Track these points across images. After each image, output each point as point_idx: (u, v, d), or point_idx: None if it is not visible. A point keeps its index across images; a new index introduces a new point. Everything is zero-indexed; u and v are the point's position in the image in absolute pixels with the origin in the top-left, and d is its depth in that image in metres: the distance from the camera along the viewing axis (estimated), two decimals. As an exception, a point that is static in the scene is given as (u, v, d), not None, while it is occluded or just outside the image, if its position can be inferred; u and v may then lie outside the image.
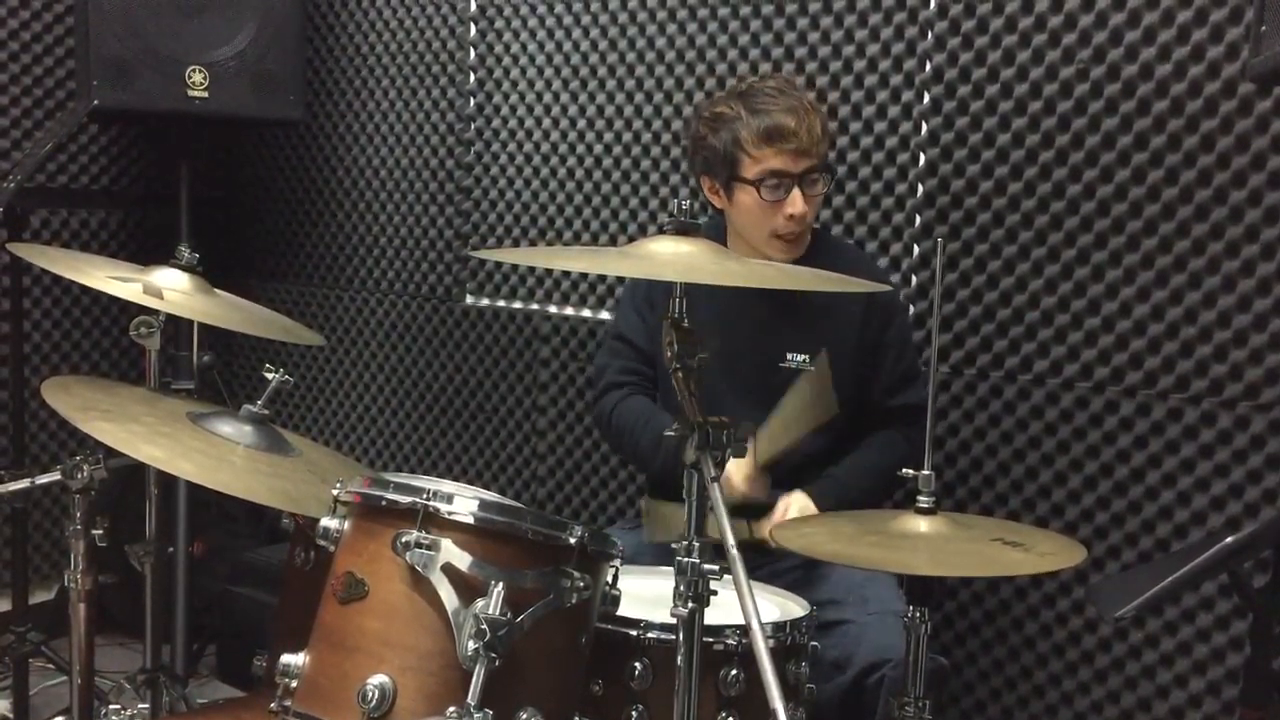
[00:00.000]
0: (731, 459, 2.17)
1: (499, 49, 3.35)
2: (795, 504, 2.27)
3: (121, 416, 1.87)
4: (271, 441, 1.94)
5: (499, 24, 3.34)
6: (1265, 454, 2.34)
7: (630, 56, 3.10)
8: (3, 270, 3.31)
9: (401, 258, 3.60)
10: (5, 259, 3.15)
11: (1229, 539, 1.58)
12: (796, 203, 2.30)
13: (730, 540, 1.52)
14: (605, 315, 3.19)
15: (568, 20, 3.21)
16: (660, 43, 3.05)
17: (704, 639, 1.64)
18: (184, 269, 2.12)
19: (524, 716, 1.60)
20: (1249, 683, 1.67)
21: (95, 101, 3.10)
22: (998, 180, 2.60)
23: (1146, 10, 2.42)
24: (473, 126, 3.41)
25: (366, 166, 3.66)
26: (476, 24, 3.40)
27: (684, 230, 1.69)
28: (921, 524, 1.80)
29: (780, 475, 2.25)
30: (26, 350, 3.49)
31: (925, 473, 1.82)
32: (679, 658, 1.61)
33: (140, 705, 2.31)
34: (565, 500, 3.28)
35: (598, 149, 3.18)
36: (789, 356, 2.39)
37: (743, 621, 1.51)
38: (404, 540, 1.61)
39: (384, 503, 1.66)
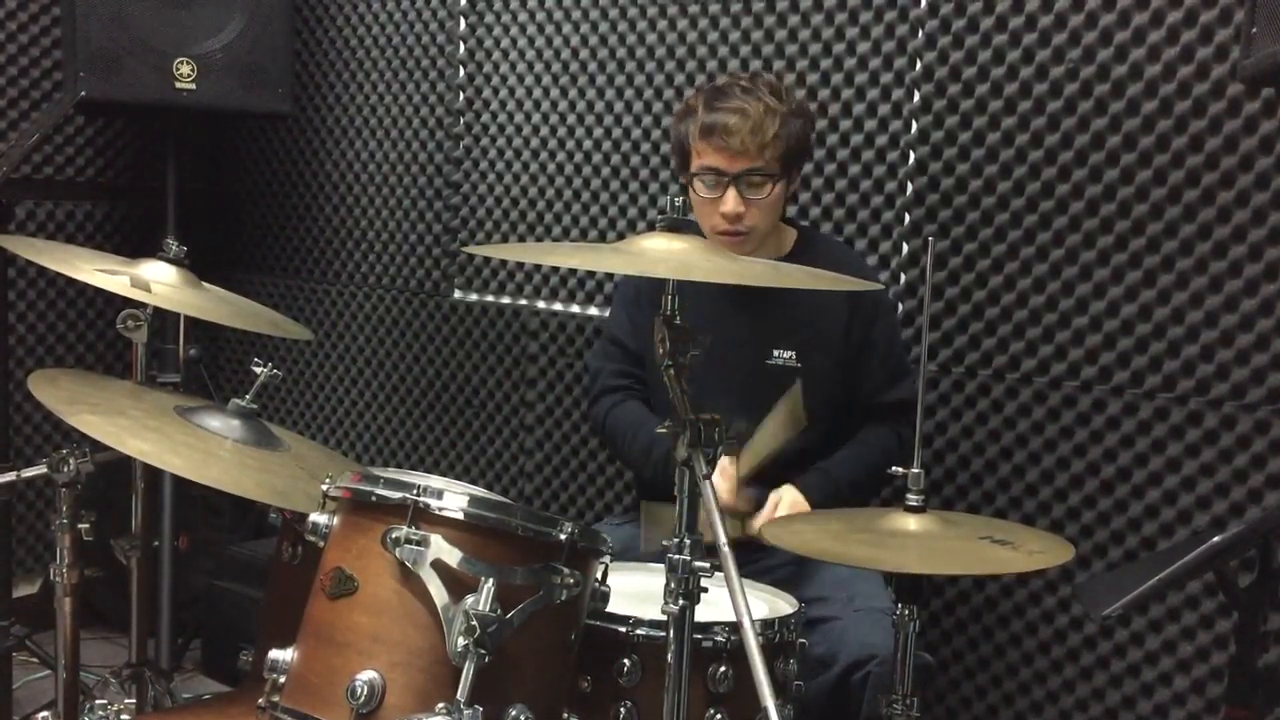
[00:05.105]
0: (717, 471, 2.19)
1: (489, 43, 3.34)
2: (786, 498, 2.28)
3: (109, 410, 1.86)
4: (260, 436, 1.94)
5: (489, 18, 3.33)
6: (1251, 453, 2.36)
7: (620, 52, 3.10)
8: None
9: (390, 252, 3.59)
10: (-10, 251, 3.13)
11: (1215, 538, 1.59)
12: (728, 202, 2.28)
13: (722, 539, 1.53)
14: (594, 311, 3.18)
15: (558, 15, 3.20)
16: (651, 38, 3.05)
17: (693, 636, 1.64)
18: (171, 262, 2.11)
19: (513, 713, 1.60)
20: (1234, 681, 1.68)
21: (82, 93, 3.08)
22: (987, 179, 2.61)
23: (1136, 11, 2.43)
24: (462, 121, 3.40)
25: (355, 160, 3.65)
26: (466, 18, 3.39)
27: (675, 227, 1.69)
28: (910, 522, 1.81)
29: (771, 471, 2.24)
30: (11, 343, 3.48)
31: (914, 471, 1.82)
32: (669, 655, 1.61)
33: (125, 700, 2.30)
34: (553, 495, 3.28)
35: (588, 144, 3.17)
36: (775, 354, 2.39)
37: (731, 618, 1.51)
38: (394, 536, 1.60)
39: (374, 498, 1.65)
